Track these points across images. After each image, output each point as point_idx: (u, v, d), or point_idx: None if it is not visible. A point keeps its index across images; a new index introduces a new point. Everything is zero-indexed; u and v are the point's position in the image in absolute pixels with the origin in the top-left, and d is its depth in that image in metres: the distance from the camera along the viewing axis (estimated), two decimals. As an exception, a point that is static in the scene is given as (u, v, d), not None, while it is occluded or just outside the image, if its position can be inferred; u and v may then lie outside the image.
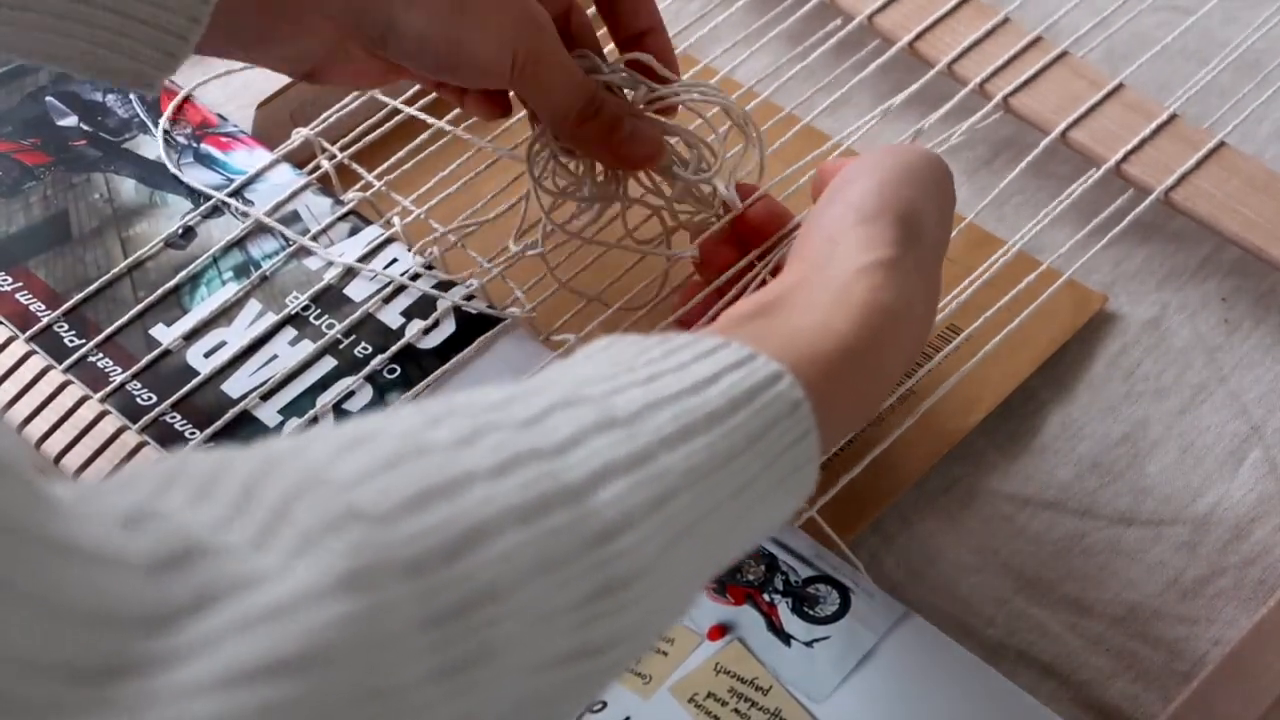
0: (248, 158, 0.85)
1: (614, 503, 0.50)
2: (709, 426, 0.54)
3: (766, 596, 0.71)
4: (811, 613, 0.71)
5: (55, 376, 0.78)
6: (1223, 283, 0.86)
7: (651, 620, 0.52)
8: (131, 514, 0.44)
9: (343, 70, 0.74)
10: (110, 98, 0.87)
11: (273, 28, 0.71)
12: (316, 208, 0.84)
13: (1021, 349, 0.81)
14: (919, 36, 0.89)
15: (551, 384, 0.54)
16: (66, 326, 0.80)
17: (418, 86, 0.88)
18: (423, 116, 0.87)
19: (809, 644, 0.70)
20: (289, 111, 0.89)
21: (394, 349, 0.78)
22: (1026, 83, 0.87)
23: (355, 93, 0.88)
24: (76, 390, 0.77)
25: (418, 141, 0.86)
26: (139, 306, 0.80)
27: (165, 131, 0.86)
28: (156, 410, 0.77)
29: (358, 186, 0.85)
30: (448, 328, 0.79)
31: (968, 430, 0.79)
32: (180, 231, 0.83)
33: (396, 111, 0.87)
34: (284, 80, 0.89)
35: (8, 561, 0.39)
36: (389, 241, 0.82)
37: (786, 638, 0.70)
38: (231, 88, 0.90)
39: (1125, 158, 0.84)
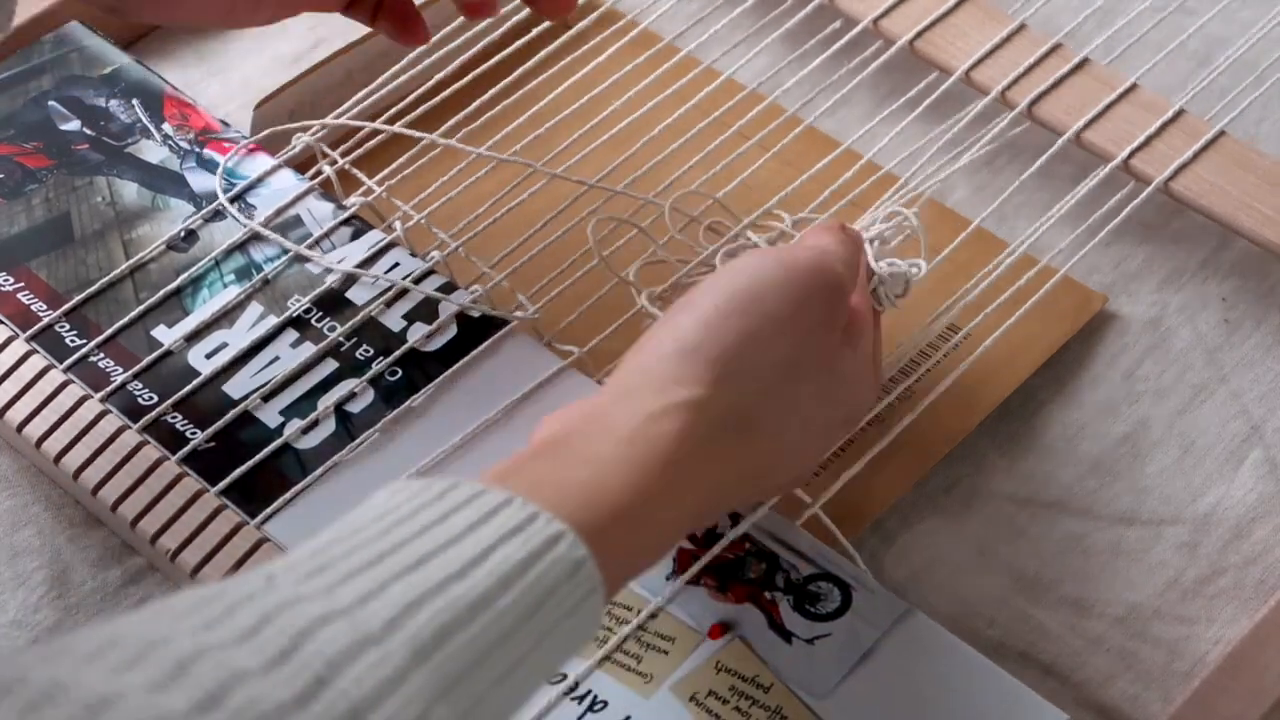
0: (250, 162, 0.86)
1: None
2: (472, 617, 0.52)
3: (768, 594, 0.71)
4: (813, 610, 0.71)
5: (56, 376, 0.78)
6: (1223, 283, 0.86)
7: None
8: None
9: None
10: (113, 103, 0.87)
11: None
12: (319, 212, 0.84)
13: (1022, 349, 0.81)
14: (920, 36, 0.89)
15: (316, 582, 0.52)
16: (68, 327, 0.80)
17: (420, 90, 0.88)
18: (414, 135, 0.87)
19: (810, 641, 0.70)
20: (288, 110, 0.90)
21: (397, 353, 0.78)
22: (1048, 90, 0.87)
23: (356, 96, 0.88)
24: (77, 390, 0.77)
25: (419, 146, 0.86)
26: (140, 308, 0.80)
27: (168, 136, 0.86)
28: (157, 410, 0.77)
29: (360, 191, 0.85)
30: (450, 331, 0.79)
31: (968, 430, 0.79)
32: (182, 234, 0.83)
33: (398, 116, 0.87)
34: (281, 78, 0.89)
35: None
36: (391, 246, 0.82)
37: (788, 635, 0.70)
38: (230, 86, 0.91)
39: (1132, 154, 0.85)
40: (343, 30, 0.95)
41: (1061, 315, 0.83)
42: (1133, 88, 0.87)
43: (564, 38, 0.91)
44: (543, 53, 0.90)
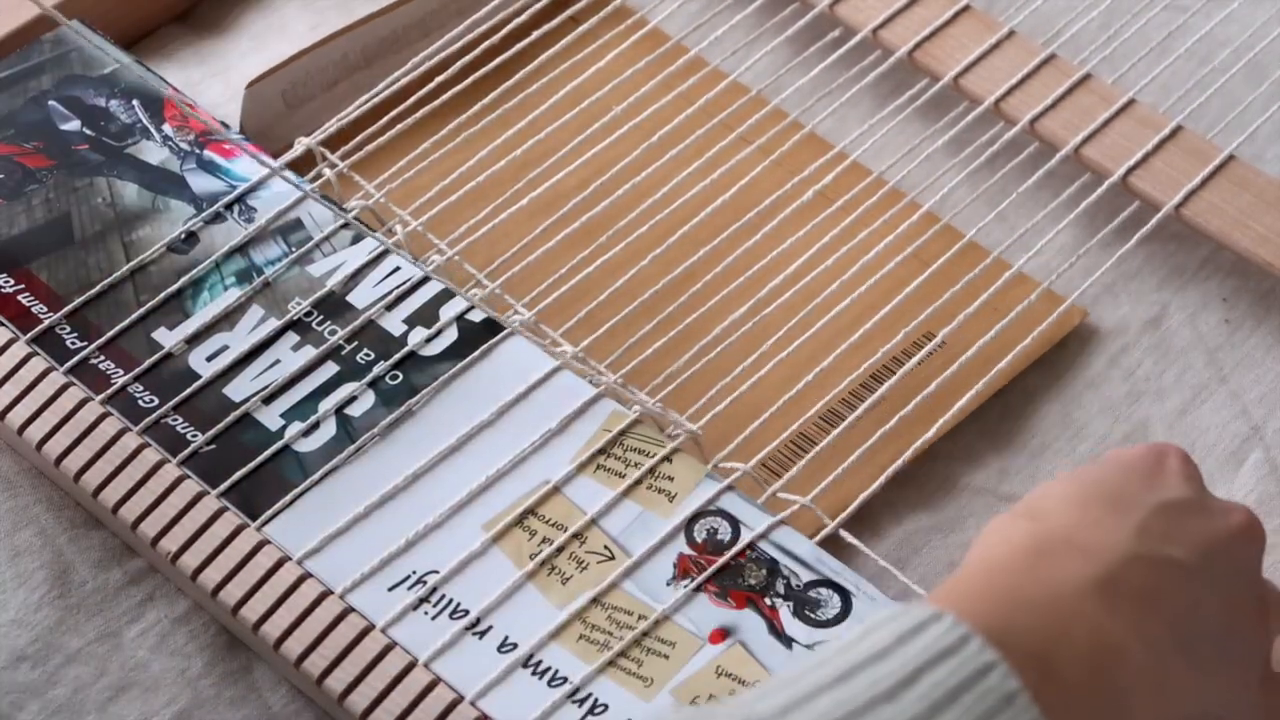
0: (251, 165, 0.86)
1: None
2: None
3: (768, 600, 0.71)
4: (813, 616, 0.71)
5: (56, 378, 0.78)
6: (1223, 283, 0.85)
7: None
8: None
9: None
10: (113, 103, 0.87)
11: None
12: (319, 215, 0.84)
13: (998, 357, 0.81)
14: (919, 47, 0.89)
15: (729, 704, 0.51)
16: (68, 329, 0.80)
17: (422, 93, 0.88)
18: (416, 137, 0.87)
19: (810, 647, 0.70)
20: (280, 91, 0.89)
21: (397, 356, 0.78)
22: (1050, 107, 0.87)
23: (356, 101, 0.88)
24: (78, 392, 0.78)
25: (420, 150, 0.86)
26: (141, 310, 0.80)
27: (168, 137, 0.86)
28: (158, 413, 0.77)
29: (359, 195, 0.85)
30: (450, 335, 0.79)
31: (940, 435, 0.79)
32: (183, 236, 0.83)
33: (399, 119, 0.87)
34: (274, 62, 0.89)
35: None
36: (391, 250, 0.82)
37: (788, 641, 0.70)
38: (231, 87, 0.91)
39: (1131, 170, 0.84)
40: (343, 29, 0.95)
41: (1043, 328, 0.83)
42: (1131, 103, 0.87)
43: (572, 35, 0.91)
44: (550, 51, 0.90)
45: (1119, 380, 0.82)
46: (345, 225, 0.83)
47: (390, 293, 0.81)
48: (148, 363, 0.79)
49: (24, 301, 0.81)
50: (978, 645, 0.51)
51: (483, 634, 0.71)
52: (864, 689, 0.50)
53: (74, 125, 0.87)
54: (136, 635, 0.75)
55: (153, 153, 0.86)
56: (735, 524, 0.73)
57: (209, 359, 0.79)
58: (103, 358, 0.79)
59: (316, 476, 0.75)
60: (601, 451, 0.75)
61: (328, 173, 0.86)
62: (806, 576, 0.72)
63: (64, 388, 0.78)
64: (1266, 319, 0.84)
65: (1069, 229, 0.85)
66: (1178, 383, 0.82)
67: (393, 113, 0.87)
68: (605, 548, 0.73)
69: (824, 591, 0.71)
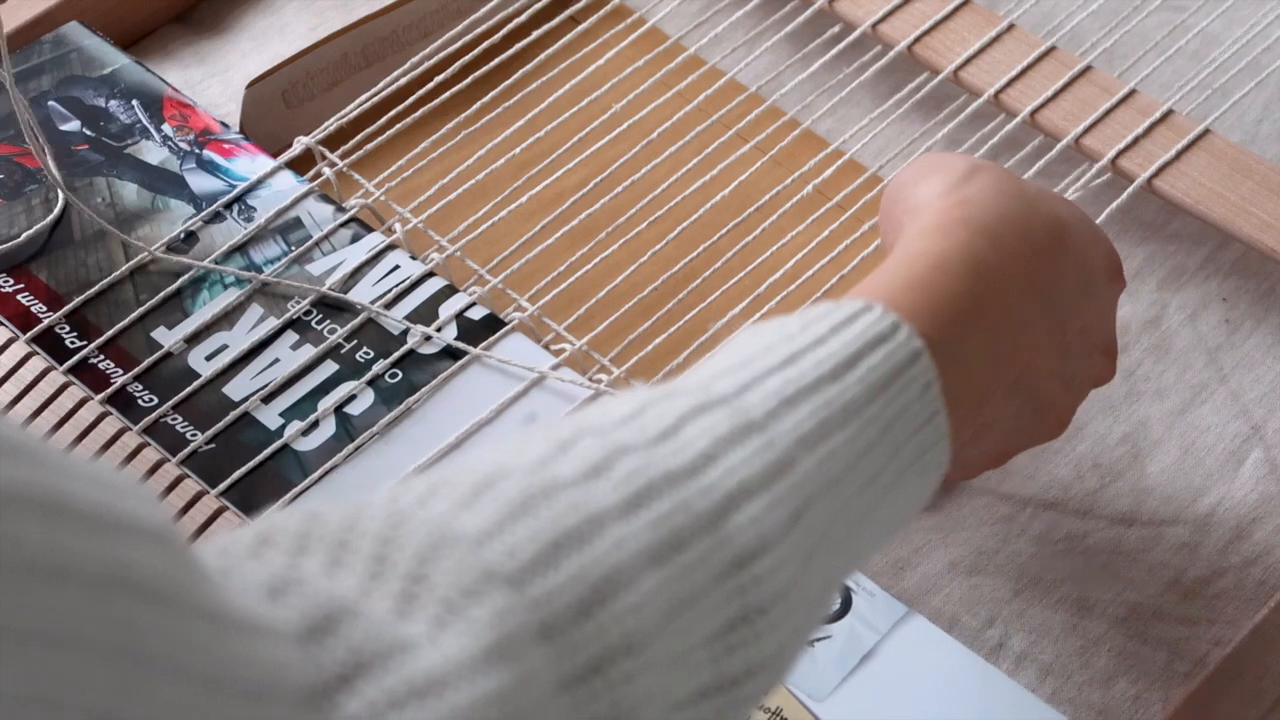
0: (250, 164, 0.86)
1: (750, 525, 0.49)
2: (845, 422, 0.53)
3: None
4: (812, 613, 0.71)
5: (56, 378, 0.78)
6: (1223, 283, 0.85)
7: (789, 643, 0.51)
8: (273, 584, 0.43)
9: None
10: (113, 103, 0.87)
11: None
12: (319, 214, 0.84)
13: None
14: (919, 41, 0.89)
15: (686, 383, 0.53)
16: (68, 328, 0.80)
17: (422, 92, 0.88)
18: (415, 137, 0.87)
19: (810, 643, 0.70)
20: (280, 91, 0.89)
21: (396, 354, 0.78)
22: (1052, 98, 0.87)
23: (355, 101, 0.88)
24: (77, 392, 0.78)
25: (420, 149, 0.86)
26: (140, 309, 0.80)
27: (167, 137, 0.86)
28: (157, 412, 0.77)
29: (359, 194, 0.85)
30: (450, 333, 0.79)
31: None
32: (182, 236, 0.83)
33: (399, 118, 0.87)
34: (274, 62, 0.89)
35: (170, 636, 0.38)
36: (391, 248, 0.82)
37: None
38: (231, 87, 0.91)
39: (1119, 154, 0.84)
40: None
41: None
42: (1132, 93, 0.87)
43: (572, 34, 0.91)
44: (549, 50, 0.90)
45: (1118, 379, 0.82)
46: (345, 224, 0.83)
47: (390, 291, 0.81)
48: (147, 362, 0.79)
49: (24, 301, 0.81)
50: (906, 333, 0.55)
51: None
52: (810, 369, 0.53)
53: (74, 125, 0.87)
54: (136, 635, 0.75)
55: (152, 152, 0.86)
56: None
57: (208, 358, 0.79)
58: (102, 357, 0.79)
59: (316, 475, 0.75)
60: (601, 451, 0.75)
61: (327, 172, 0.86)
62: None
63: (64, 387, 0.78)
64: (1266, 319, 0.84)
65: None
66: (1177, 382, 0.82)
67: (392, 112, 0.87)
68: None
69: (823, 590, 0.71)
